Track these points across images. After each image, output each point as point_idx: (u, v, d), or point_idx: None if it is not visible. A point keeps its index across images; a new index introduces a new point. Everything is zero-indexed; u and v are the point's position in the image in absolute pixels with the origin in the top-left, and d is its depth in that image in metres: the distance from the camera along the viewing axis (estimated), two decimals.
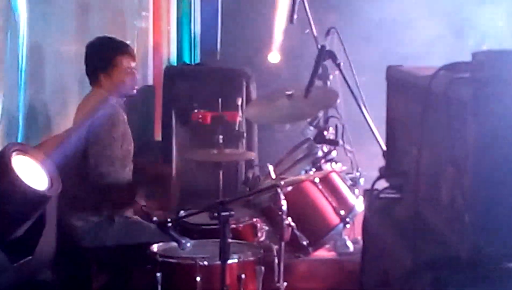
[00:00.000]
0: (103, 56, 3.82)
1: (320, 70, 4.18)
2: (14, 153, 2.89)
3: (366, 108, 4.04)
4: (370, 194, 2.29)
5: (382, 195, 2.23)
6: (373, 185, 2.26)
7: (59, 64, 4.12)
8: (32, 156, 3.00)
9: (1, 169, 2.79)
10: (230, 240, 2.97)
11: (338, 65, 4.09)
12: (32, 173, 2.98)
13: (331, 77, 4.50)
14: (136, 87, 3.94)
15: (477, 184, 1.62)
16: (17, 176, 2.81)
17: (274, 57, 6.77)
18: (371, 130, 4.02)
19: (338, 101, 4.28)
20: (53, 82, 4.08)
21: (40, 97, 3.90)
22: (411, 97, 2.05)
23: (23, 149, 3.02)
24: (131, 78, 3.85)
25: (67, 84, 4.27)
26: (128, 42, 4.39)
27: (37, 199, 2.91)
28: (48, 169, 3.03)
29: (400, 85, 2.22)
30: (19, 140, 3.62)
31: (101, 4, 5.02)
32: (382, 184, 2.30)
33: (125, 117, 3.84)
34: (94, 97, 3.82)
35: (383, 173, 2.34)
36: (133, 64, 3.87)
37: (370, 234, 2.23)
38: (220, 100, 4.44)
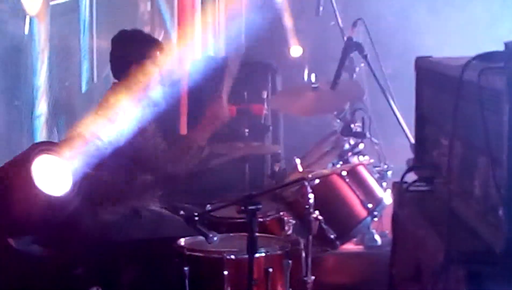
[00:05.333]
0: (138, 47, 3.81)
1: (346, 62, 4.15)
2: (37, 155, 2.89)
3: (393, 100, 4.00)
4: (399, 187, 2.26)
5: (411, 188, 2.19)
6: (402, 177, 2.23)
7: None
8: (58, 154, 2.99)
9: (21, 175, 2.81)
10: (257, 234, 2.95)
11: (365, 57, 4.05)
12: (55, 173, 2.98)
13: (357, 69, 4.47)
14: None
15: None
16: (35, 185, 2.82)
17: (296, 51, 6.75)
18: (398, 122, 3.98)
19: (364, 97, 4.25)
20: None
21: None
22: (442, 88, 2.02)
23: (48, 148, 3.01)
24: (160, 71, 3.88)
25: None
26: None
27: (55, 205, 2.92)
28: (72, 168, 3.03)
29: (430, 76, 2.19)
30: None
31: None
32: (411, 176, 2.27)
33: (152, 126, 3.89)
34: (117, 95, 3.84)
35: (413, 166, 2.31)
36: (161, 58, 3.91)
37: (400, 227, 2.21)
38: (245, 93, 4.42)
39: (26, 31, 3.32)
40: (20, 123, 3.25)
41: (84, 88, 4.14)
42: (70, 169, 3.02)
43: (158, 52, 3.87)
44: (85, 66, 4.14)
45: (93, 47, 4.24)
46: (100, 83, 4.26)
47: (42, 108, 3.48)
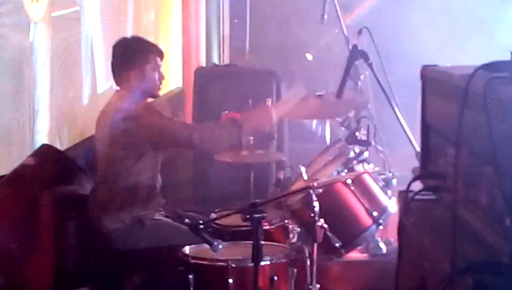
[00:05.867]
0: (138, 53, 3.82)
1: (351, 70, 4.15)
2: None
3: (398, 108, 3.99)
4: (405, 196, 2.25)
5: (417, 197, 2.19)
6: (408, 186, 2.22)
7: None
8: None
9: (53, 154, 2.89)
10: (262, 242, 2.95)
11: (370, 65, 4.04)
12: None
13: (362, 77, 4.46)
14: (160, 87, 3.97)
15: None
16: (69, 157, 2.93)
17: (308, 57, 6.78)
18: (404, 130, 3.97)
19: (369, 105, 4.25)
20: None
21: None
22: (448, 97, 2.01)
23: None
24: (160, 77, 3.88)
25: None
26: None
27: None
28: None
29: (436, 84, 2.19)
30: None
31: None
32: (416, 185, 2.27)
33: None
34: (119, 100, 3.83)
35: (419, 174, 2.30)
36: (161, 64, 3.91)
37: (406, 236, 2.20)
38: (250, 101, 4.43)
39: (31, 39, 3.33)
40: (22, 136, 3.25)
41: (86, 99, 4.14)
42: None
43: (158, 58, 3.88)
44: (87, 77, 4.15)
45: (95, 58, 4.25)
46: (103, 94, 4.26)
47: (44, 120, 3.48)
